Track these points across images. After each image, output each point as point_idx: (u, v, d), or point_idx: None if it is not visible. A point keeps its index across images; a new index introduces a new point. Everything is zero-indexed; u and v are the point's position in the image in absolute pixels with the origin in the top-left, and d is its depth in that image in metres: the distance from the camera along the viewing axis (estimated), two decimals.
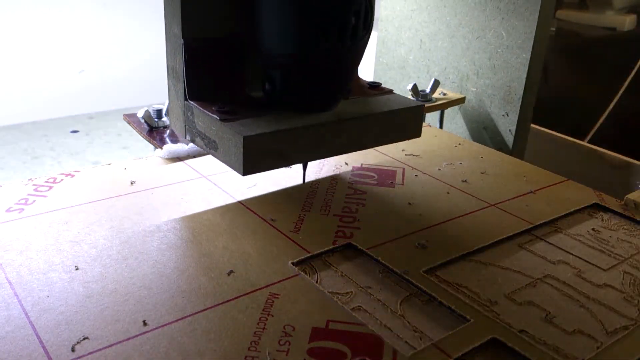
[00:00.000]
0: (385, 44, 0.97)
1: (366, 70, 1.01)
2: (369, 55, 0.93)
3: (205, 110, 0.52)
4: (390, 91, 0.62)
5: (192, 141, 0.55)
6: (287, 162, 0.55)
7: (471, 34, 0.81)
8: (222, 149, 0.51)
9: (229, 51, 0.55)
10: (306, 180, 0.62)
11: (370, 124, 0.56)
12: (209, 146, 0.52)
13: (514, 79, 0.77)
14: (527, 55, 0.73)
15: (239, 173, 0.50)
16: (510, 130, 0.77)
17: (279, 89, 0.53)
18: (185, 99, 0.54)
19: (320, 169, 0.66)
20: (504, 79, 0.78)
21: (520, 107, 0.77)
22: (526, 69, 0.74)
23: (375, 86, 0.62)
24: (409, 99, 0.63)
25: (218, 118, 0.50)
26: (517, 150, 0.78)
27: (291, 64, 0.52)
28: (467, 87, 0.83)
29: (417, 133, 0.61)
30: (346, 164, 0.68)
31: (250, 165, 0.49)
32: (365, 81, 0.64)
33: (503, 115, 0.78)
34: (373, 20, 0.52)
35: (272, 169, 0.54)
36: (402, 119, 0.58)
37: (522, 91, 0.76)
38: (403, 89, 0.88)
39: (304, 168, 0.61)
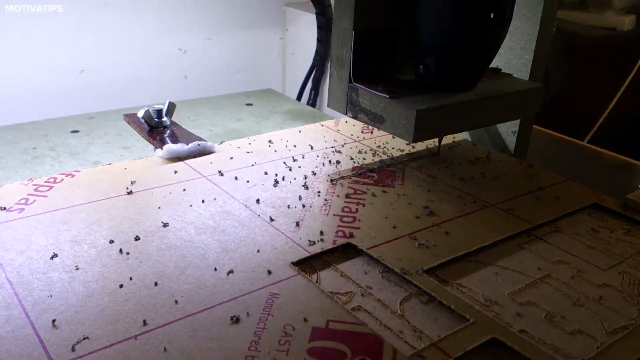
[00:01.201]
0: None
1: None
2: None
3: (371, 90, 0.63)
4: (510, 75, 0.74)
5: (355, 117, 0.66)
6: (442, 133, 0.68)
7: None
8: (389, 121, 0.62)
9: (386, 42, 0.67)
10: (307, 183, 0.63)
11: (505, 101, 0.67)
12: (374, 120, 0.63)
13: None
14: (530, 57, 0.74)
15: (409, 140, 0.61)
16: (512, 131, 0.77)
17: (433, 72, 0.63)
18: (350, 82, 0.65)
19: (320, 169, 0.66)
20: None
21: None
22: (529, 70, 0.74)
23: (496, 71, 0.75)
24: (529, 81, 0.73)
25: (387, 96, 0.61)
26: (519, 151, 0.78)
27: (447, 51, 0.62)
28: None
29: (538, 108, 0.72)
30: (338, 162, 0.68)
31: (418, 133, 0.60)
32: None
33: None
34: (513, 12, 0.63)
35: (432, 138, 0.68)
36: (527, 97, 0.70)
37: None
38: None
39: (440, 140, 0.73)
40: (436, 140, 0.75)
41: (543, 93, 0.72)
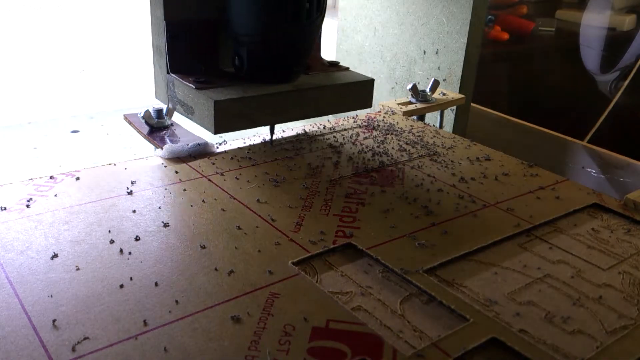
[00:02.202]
0: (345, 32, 1.04)
1: (328, 57, 1.07)
2: (331, 42, 1.04)
3: (183, 81, 0.63)
4: (347, 68, 0.74)
5: (174, 109, 0.65)
6: (253, 124, 0.66)
7: (417, 21, 0.87)
8: (197, 113, 0.61)
9: (204, 31, 0.65)
10: (306, 181, 0.62)
11: (325, 94, 0.67)
12: (187, 111, 0.63)
13: (453, 62, 0.83)
14: (465, 40, 0.80)
15: (211, 132, 0.60)
16: (451, 109, 0.84)
17: (246, 64, 0.63)
18: (167, 72, 0.64)
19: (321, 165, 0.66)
20: (446, 62, 0.84)
21: (460, 88, 0.84)
22: (464, 52, 0.80)
23: (334, 64, 0.74)
24: (362, 74, 0.73)
25: (194, 87, 0.61)
26: (458, 128, 0.85)
27: (255, 43, 0.62)
28: (415, 70, 0.89)
29: (368, 104, 0.72)
30: (338, 161, 0.68)
31: (220, 125, 0.59)
32: (326, 60, 0.75)
33: (443, 95, 0.84)
34: (326, 3, 0.63)
35: (240, 129, 0.65)
36: (354, 91, 0.69)
37: (461, 73, 0.82)
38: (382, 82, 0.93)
39: (271, 131, 0.71)
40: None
41: (373, 86, 0.72)
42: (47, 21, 1.07)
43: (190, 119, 0.63)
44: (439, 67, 0.80)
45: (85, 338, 0.38)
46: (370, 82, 0.70)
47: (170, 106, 0.66)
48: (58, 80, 1.11)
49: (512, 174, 0.67)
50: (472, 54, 0.80)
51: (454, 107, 0.84)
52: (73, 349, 0.37)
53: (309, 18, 0.61)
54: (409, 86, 0.82)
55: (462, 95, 0.85)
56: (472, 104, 0.91)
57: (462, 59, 0.79)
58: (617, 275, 0.49)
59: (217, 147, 0.71)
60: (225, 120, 0.59)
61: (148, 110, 0.74)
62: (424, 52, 0.86)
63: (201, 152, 0.68)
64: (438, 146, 0.74)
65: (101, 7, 1.11)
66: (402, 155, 0.71)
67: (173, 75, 0.64)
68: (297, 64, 0.65)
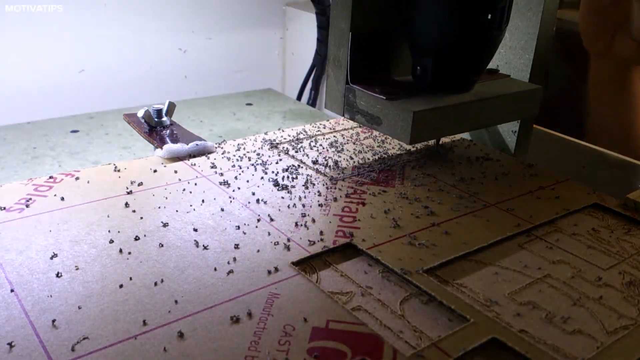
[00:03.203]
0: None
1: None
2: None
3: (368, 92, 0.63)
4: (508, 76, 0.74)
5: (352, 118, 0.66)
6: (439, 134, 0.68)
7: None
8: (386, 123, 0.62)
9: (383, 43, 0.67)
10: (307, 183, 0.63)
11: (502, 103, 0.67)
12: (371, 122, 0.63)
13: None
14: (530, 56, 0.73)
15: (406, 143, 0.62)
16: (513, 131, 0.77)
17: (430, 74, 0.64)
18: (347, 83, 0.65)
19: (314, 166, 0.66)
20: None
21: None
22: (529, 70, 0.74)
23: (493, 71, 0.74)
24: (528, 82, 0.73)
25: (384, 98, 0.61)
26: (520, 151, 0.78)
27: (442, 53, 0.63)
28: None
29: (536, 111, 0.72)
30: (336, 162, 0.68)
31: (415, 135, 0.60)
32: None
33: None
34: (510, 14, 0.63)
35: (430, 139, 0.70)
36: (525, 99, 0.70)
37: None
38: None
39: (438, 140, 0.74)
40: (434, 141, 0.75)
41: (541, 95, 0.71)
42: (47, 21, 1.06)
43: (376, 129, 0.63)
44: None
45: (85, 338, 0.38)
46: (539, 90, 0.70)
47: (347, 116, 0.66)
48: (58, 80, 1.11)
49: (512, 173, 0.67)
50: (538, 72, 0.74)
51: (516, 129, 0.77)
52: (72, 349, 0.37)
53: (499, 29, 0.61)
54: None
55: None
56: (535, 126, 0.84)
57: (527, 76, 0.73)
58: (617, 275, 0.49)
59: (217, 147, 0.71)
60: (420, 130, 0.60)
61: (148, 110, 0.74)
62: None
63: (201, 152, 0.68)
64: (438, 146, 0.74)
65: (101, 7, 1.11)
66: (402, 155, 0.71)
67: (354, 86, 0.64)
68: (478, 74, 0.66)
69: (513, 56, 0.75)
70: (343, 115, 0.67)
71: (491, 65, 0.77)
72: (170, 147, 0.67)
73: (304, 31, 1.34)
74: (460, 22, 0.60)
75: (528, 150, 0.79)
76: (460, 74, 0.65)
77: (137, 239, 0.50)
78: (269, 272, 0.46)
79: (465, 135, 0.80)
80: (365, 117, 0.64)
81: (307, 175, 0.64)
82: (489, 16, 0.59)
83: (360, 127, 0.80)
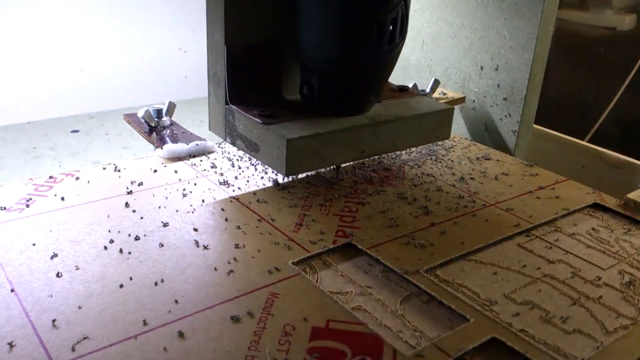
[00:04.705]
0: None
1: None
2: None
3: (246, 114, 0.55)
4: (420, 94, 0.66)
5: (233, 144, 0.58)
6: (325, 164, 0.58)
7: (473, 34, 0.81)
8: (263, 151, 0.54)
9: (267, 57, 0.58)
10: (305, 180, 0.62)
11: (403, 127, 0.59)
12: (250, 148, 0.56)
13: (516, 80, 0.77)
14: (530, 56, 0.73)
15: (282, 174, 0.54)
16: (512, 131, 0.77)
17: (317, 93, 0.56)
18: (227, 103, 0.57)
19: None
20: (507, 79, 0.78)
21: (523, 108, 0.77)
22: (529, 70, 0.74)
23: (404, 89, 0.66)
24: (439, 102, 0.65)
25: (260, 122, 0.54)
26: (520, 151, 0.78)
27: (330, 69, 0.55)
28: (470, 87, 0.83)
29: (447, 135, 0.64)
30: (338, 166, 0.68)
31: (291, 166, 0.52)
32: (394, 85, 0.67)
33: (505, 116, 0.78)
34: (407, 27, 0.55)
35: (312, 170, 0.59)
36: (433, 122, 0.61)
37: (525, 92, 0.76)
38: None
39: (337, 168, 0.63)
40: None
41: (452, 116, 0.65)
42: (47, 21, 1.07)
43: (254, 156, 0.56)
44: (498, 85, 0.75)
45: (85, 338, 0.38)
46: (450, 111, 0.63)
47: (229, 141, 0.59)
48: (58, 80, 1.11)
49: (512, 173, 0.67)
50: (537, 71, 0.74)
51: (516, 129, 0.77)
52: (73, 349, 0.37)
53: (391, 43, 0.54)
54: (410, 85, 0.79)
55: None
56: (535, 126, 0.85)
57: (527, 76, 0.73)
58: (617, 275, 0.49)
59: (217, 147, 0.71)
60: (297, 160, 0.53)
61: (148, 110, 0.74)
62: (481, 67, 0.80)
63: (201, 151, 0.68)
64: (438, 146, 0.74)
65: (101, 7, 1.11)
66: (401, 155, 0.71)
67: (233, 107, 0.57)
68: (374, 94, 0.59)
69: (513, 56, 0.75)
70: (225, 140, 0.59)
71: (488, 63, 0.76)
72: (170, 147, 0.67)
73: None
74: (344, 36, 0.52)
75: (528, 150, 0.80)
76: (350, 93, 0.57)
77: (137, 238, 0.50)
78: (269, 272, 0.46)
79: (466, 135, 0.80)
80: (245, 142, 0.56)
81: (307, 175, 0.64)
82: (375, 29, 0.52)
83: None
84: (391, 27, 0.53)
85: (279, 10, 0.57)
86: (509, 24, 0.76)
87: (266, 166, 0.66)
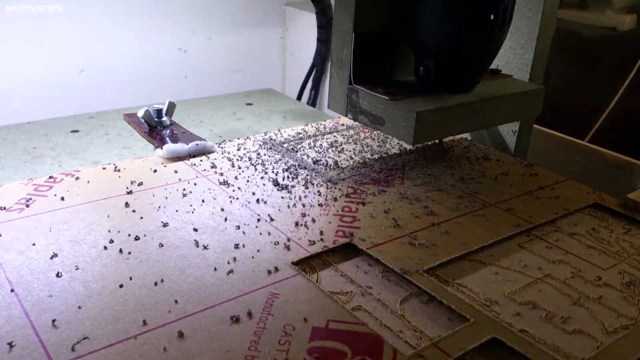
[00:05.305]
0: None
1: None
2: None
3: (372, 92, 0.63)
4: (510, 76, 0.74)
5: (354, 119, 0.66)
6: (442, 134, 0.68)
7: None
8: (389, 123, 0.62)
9: (386, 44, 0.67)
10: (307, 183, 0.62)
11: (505, 103, 0.67)
12: (374, 122, 0.64)
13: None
14: (530, 56, 0.74)
15: (408, 143, 0.62)
16: (513, 131, 0.77)
17: (433, 75, 0.64)
18: (350, 84, 0.65)
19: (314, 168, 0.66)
20: None
21: None
22: (529, 70, 0.74)
23: (496, 72, 0.74)
24: (530, 83, 0.73)
25: (387, 98, 0.61)
26: (520, 151, 0.78)
27: (445, 54, 0.63)
28: None
29: (538, 111, 0.72)
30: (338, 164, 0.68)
31: (418, 135, 0.60)
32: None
33: None
34: (512, 15, 0.63)
35: (433, 139, 0.69)
36: (529, 99, 0.70)
37: None
38: None
39: (441, 141, 0.74)
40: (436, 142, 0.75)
41: (543, 95, 0.71)
42: (47, 21, 1.07)
43: (379, 129, 0.63)
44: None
45: (85, 338, 0.38)
46: (541, 90, 0.70)
47: (350, 116, 0.66)
48: (58, 80, 1.11)
49: (512, 173, 0.67)
50: (538, 71, 0.75)
51: (516, 129, 0.77)
52: (73, 349, 0.37)
53: (501, 30, 0.61)
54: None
55: None
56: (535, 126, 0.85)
57: (527, 76, 0.74)
58: (617, 275, 0.49)
59: (217, 147, 0.71)
60: (423, 130, 0.60)
61: (148, 110, 0.74)
62: None
63: (201, 151, 0.68)
64: (438, 146, 0.74)
65: (101, 7, 1.11)
66: (402, 155, 0.71)
67: (357, 86, 0.64)
68: (481, 74, 0.66)
69: (513, 56, 0.75)
70: (346, 116, 0.67)
71: (491, 65, 0.76)
72: (170, 147, 0.67)
73: (304, 31, 1.34)
74: (462, 23, 0.60)
75: (528, 150, 0.79)
76: (463, 74, 0.65)
77: (137, 239, 0.50)
78: (269, 272, 0.46)
79: (465, 135, 0.80)
80: (368, 117, 0.64)
81: (307, 175, 0.64)
82: (492, 17, 0.59)
83: (360, 126, 0.80)
84: (502, 16, 0.60)
85: (396, 2, 0.64)
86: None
87: (267, 168, 0.66)
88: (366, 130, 0.79)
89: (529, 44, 0.73)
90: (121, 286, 0.44)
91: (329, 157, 0.69)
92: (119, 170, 0.63)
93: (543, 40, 0.73)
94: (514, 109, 0.69)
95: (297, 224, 0.54)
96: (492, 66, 0.75)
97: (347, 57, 0.65)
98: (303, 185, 0.62)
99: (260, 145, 0.72)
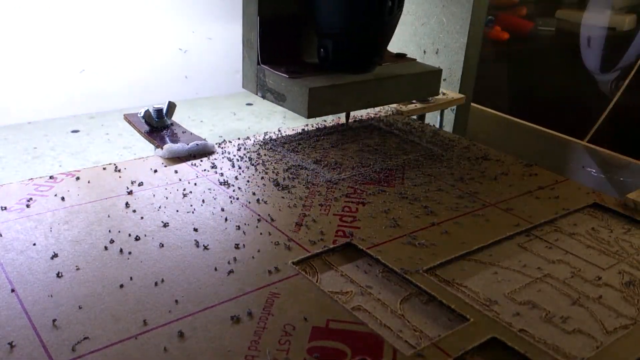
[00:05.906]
0: None
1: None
2: None
3: (275, 71, 0.69)
4: (414, 60, 0.80)
5: (263, 97, 0.72)
6: (337, 110, 0.72)
7: (417, 20, 0.88)
8: (289, 99, 0.68)
9: (290, 26, 0.72)
10: (307, 183, 0.62)
11: (401, 83, 0.73)
12: (278, 99, 0.69)
13: (454, 62, 0.84)
14: (465, 40, 0.82)
15: (304, 116, 0.67)
16: (451, 109, 0.85)
17: (331, 55, 0.70)
18: (258, 64, 0.71)
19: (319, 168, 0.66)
20: (446, 62, 0.85)
21: (460, 88, 0.85)
22: (464, 52, 0.82)
23: (401, 56, 0.80)
24: (430, 65, 0.78)
25: (287, 76, 0.67)
26: (458, 128, 0.86)
27: (340, 36, 0.68)
28: None
29: (436, 92, 0.78)
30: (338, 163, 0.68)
31: (312, 110, 0.65)
32: (392, 52, 0.81)
33: (443, 95, 0.86)
34: (404, 0, 0.69)
35: (329, 114, 0.73)
36: (425, 80, 0.75)
37: (461, 73, 0.83)
38: None
39: (347, 117, 0.79)
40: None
41: (441, 76, 0.78)
42: (47, 20, 1.06)
43: (282, 105, 0.69)
44: (439, 67, 0.80)
45: (85, 338, 0.38)
46: (439, 72, 0.76)
47: (260, 95, 0.72)
48: (58, 80, 1.11)
49: (512, 173, 0.67)
50: (472, 53, 0.82)
51: (454, 107, 0.85)
52: (73, 349, 0.37)
53: (391, 14, 0.67)
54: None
55: (462, 95, 0.85)
56: (473, 104, 0.92)
57: (462, 58, 0.81)
58: (617, 275, 0.49)
59: (217, 147, 0.71)
60: (317, 105, 0.65)
61: (148, 110, 0.74)
62: (424, 51, 0.89)
63: (201, 151, 0.68)
64: (438, 146, 0.75)
65: (101, 6, 1.11)
66: (402, 155, 0.71)
67: (264, 66, 0.70)
68: (377, 56, 0.71)
69: (450, 39, 0.85)
70: (256, 94, 0.72)
71: (430, 47, 0.84)
72: (170, 147, 0.67)
73: None
74: (354, 7, 0.66)
75: (467, 127, 0.88)
76: (358, 55, 0.70)
77: (137, 239, 0.50)
78: (269, 272, 0.46)
79: (449, 128, 0.86)
80: (274, 94, 0.70)
81: (307, 175, 0.64)
82: (389, 3, 0.65)
83: (360, 127, 0.80)
84: (391, 1, 0.66)
85: None
86: (446, 10, 0.83)
87: (267, 168, 0.66)
88: (366, 130, 0.79)
89: (463, 29, 0.83)
90: (122, 286, 0.44)
91: (329, 157, 0.69)
92: (119, 170, 0.63)
93: (476, 24, 0.82)
94: (410, 89, 0.75)
95: (297, 224, 0.54)
96: (427, 49, 0.85)
97: (254, 39, 0.70)
98: (303, 185, 0.62)
99: (260, 145, 0.72)
